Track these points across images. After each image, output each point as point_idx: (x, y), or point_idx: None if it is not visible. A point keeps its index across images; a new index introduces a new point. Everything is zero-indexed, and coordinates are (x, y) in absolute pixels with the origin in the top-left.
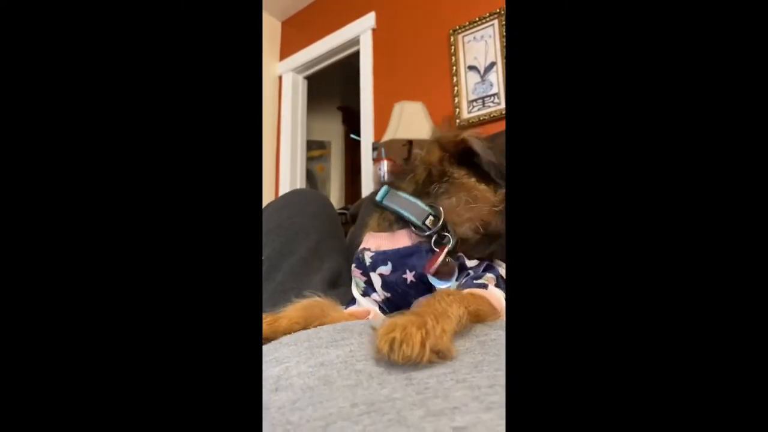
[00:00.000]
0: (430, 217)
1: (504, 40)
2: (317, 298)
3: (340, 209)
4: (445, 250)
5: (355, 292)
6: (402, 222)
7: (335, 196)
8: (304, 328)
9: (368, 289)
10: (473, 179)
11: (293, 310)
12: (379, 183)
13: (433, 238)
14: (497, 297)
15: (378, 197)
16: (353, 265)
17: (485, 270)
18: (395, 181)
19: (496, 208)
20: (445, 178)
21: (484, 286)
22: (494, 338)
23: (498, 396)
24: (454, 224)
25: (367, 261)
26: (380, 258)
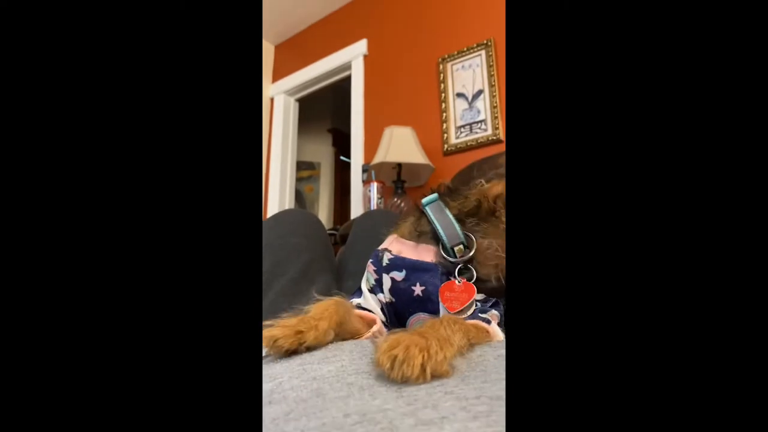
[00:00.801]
0: (461, 246)
1: (491, 69)
2: (341, 300)
3: (329, 230)
4: (474, 294)
5: (364, 286)
6: (430, 237)
7: (324, 216)
8: (336, 333)
9: (376, 288)
10: None
11: (328, 313)
12: (370, 204)
13: (458, 267)
14: (499, 335)
15: (424, 201)
16: (370, 261)
17: (492, 306)
18: (445, 195)
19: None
20: (492, 218)
21: (488, 322)
22: (479, 354)
23: (484, 406)
24: (478, 263)
25: (385, 261)
26: (397, 263)
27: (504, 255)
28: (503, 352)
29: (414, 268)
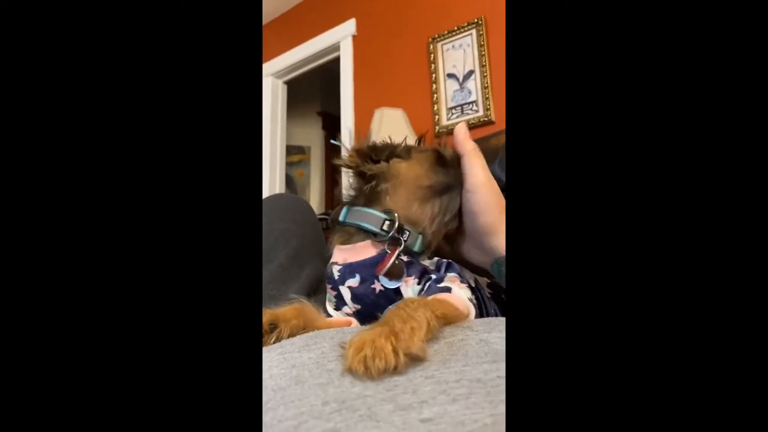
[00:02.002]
0: (386, 222)
1: (482, 49)
2: (304, 303)
3: (320, 214)
4: (396, 251)
5: (329, 307)
6: (362, 233)
7: (315, 201)
8: (302, 325)
9: (339, 303)
10: (387, 164)
11: (288, 310)
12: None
13: (386, 242)
14: (461, 299)
15: (341, 218)
16: (327, 280)
17: (446, 270)
18: (350, 199)
19: (422, 185)
20: (385, 175)
21: (448, 290)
22: (461, 338)
23: (464, 389)
24: (411, 224)
25: (335, 275)
26: (347, 271)
27: (404, 187)
28: (485, 336)
29: (364, 267)
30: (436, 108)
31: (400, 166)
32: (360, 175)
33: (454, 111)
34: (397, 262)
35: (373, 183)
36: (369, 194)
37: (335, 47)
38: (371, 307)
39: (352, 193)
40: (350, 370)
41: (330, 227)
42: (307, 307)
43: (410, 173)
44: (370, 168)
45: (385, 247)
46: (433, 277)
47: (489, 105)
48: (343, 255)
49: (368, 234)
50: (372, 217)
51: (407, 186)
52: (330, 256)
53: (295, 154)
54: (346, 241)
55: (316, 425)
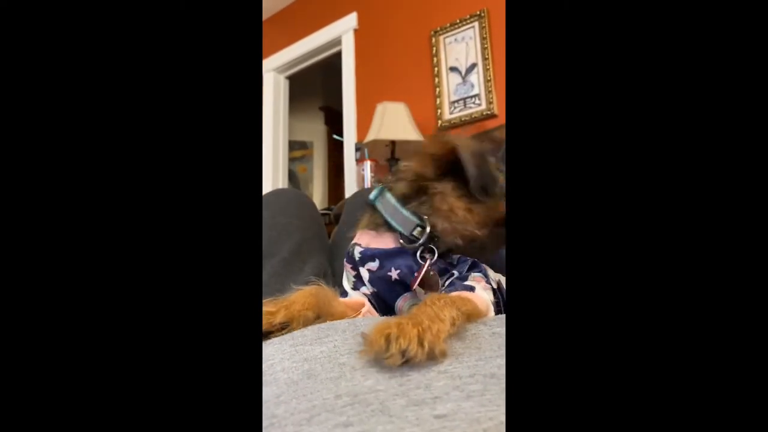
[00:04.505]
0: (418, 228)
1: (484, 42)
2: (321, 286)
3: (323, 210)
4: (427, 264)
5: (346, 285)
6: (388, 226)
7: (318, 196)
8: (316, 315)
9: (358, 283)
10: (452, 197)
11: (303, 296)
12: (364, 183)
13: (419, 250)
14: (484, 299)
15: (371, 196)
16: (345, 260)
17: (470, 269)
18: (388, 180)
19: (476, 231)
20: (429, 193)
21: (471, 288)
22: (474, 333)
23: (478, 385)
24: (439, 238)
25: (357, 256)
26: (368, 254)
27: (458, 221)
28: (498, 329)
29: (386, 256)
30: (438, 102)
31: (460, 212)
32: (415, 183)
33: (456, 105)
34: (432, 273)
35: (422, 197)
36: (408, 196)
37: (337, 41)
38: (386, 292)
39: (392, 177)
40: (371, 343)
41: (333, 222)
42: (323, 290)
43: (463, 222)
44: (437, 188)
45: (418, 254)
46: (456, 273)
47: (492, 98)
48: (366, 239)
49: (395, 231)
50: (402, 218)
51: (459, 226)
52: (344, 242)
53: (297, 149)
54: (372, 229)
55: (329, 418)
